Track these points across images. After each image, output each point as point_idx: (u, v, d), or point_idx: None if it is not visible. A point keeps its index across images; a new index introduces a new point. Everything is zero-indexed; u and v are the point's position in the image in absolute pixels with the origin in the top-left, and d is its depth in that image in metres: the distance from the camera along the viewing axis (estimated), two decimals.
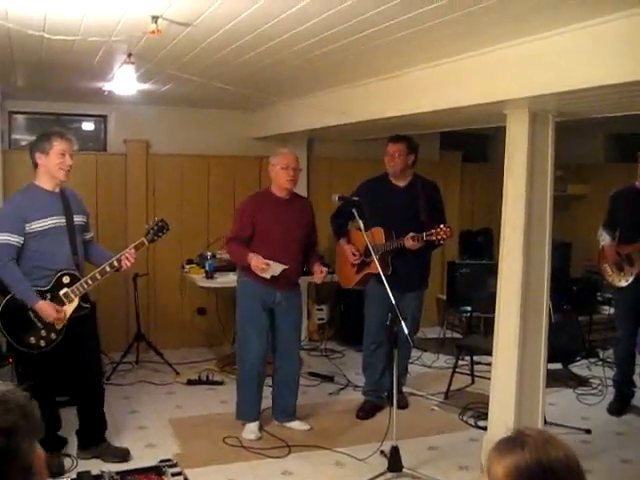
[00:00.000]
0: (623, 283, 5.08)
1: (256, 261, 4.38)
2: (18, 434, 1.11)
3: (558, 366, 5.83)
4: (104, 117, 6.68)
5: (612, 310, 6.53)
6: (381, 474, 3.95)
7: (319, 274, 4.63)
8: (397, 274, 4.68)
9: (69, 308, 3.91)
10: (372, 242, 4.49)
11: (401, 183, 4.97)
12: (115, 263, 3.98)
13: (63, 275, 3.90)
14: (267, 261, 4.39)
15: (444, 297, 7.51)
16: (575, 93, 3.15)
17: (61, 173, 3.90)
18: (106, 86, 5.04)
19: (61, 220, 3.93)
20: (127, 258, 4.00)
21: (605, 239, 5.22)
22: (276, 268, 4.42)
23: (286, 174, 4.47)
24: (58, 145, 3.86)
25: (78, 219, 4.05)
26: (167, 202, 6.67)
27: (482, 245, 7.67)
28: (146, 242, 4.07)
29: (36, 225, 3.83)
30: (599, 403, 5.33)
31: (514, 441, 1.43)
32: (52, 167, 3.87)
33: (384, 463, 4.04)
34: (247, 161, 7.00)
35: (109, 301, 6.38)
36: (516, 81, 3.38)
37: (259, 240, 4.51)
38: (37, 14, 3.06)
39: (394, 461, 3.99)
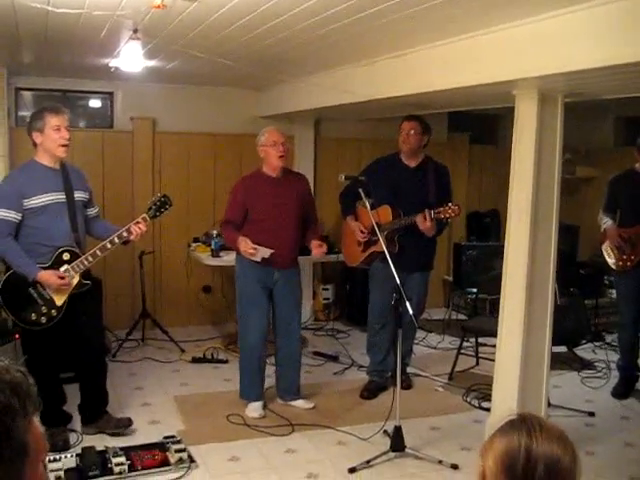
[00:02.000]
0: (626, 267, 5.04)
1: (244, 246, 4.37)
2: (9, 414, 1.10)
3: (563, 349, 5.81)
4: (111, 94, 6.65)
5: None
6: (384, 453, 3.97)
7: (317, 248, 4.60)
8: (403, 254, 4.66)
9: (71, 282, 3.91)
10: (378, 221, 4.47)
11: (412, 163, 4.94)
12: (124, 234, 3.96)
13: (63, 252, 3.89)
14: (254, 245, 4.37)
15: (450, 278, 7.50)
16: (584, 73, 3.10)
17: (60, 150, 3.88)
18: (113, 62, 5.00)
19: (60, 196, 3.92)
20: (138, 226, 3.96)
21: (607, 222, 5.19)
22: (262, 252, 4.40)
23: (276, 150, 4.46)
24: (52, 120, 3.83)
25: (79, 195, 4.03)
26: (173, 180, 6.66)
27: (489, 227, 7.65)
28: (148, 218, 4.05)
29: (35, 201, 3.82)
30: (603, 386, 5.33)
31: (510, 427, 1.43)
32: (50, 144, 3.85)
33: (387, 443, 4.05)
34: (253, 139, 6.88)
35: (115, 279, 6.41)
36: (525, 61, 3.33)
37: (253, 221, 4.52)
38: None
39: (397, 441, 4.01)
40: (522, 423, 1.43)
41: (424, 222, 4.56)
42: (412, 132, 4.82)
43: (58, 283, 3.82)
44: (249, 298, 4.59)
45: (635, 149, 5.01)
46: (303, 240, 4.68)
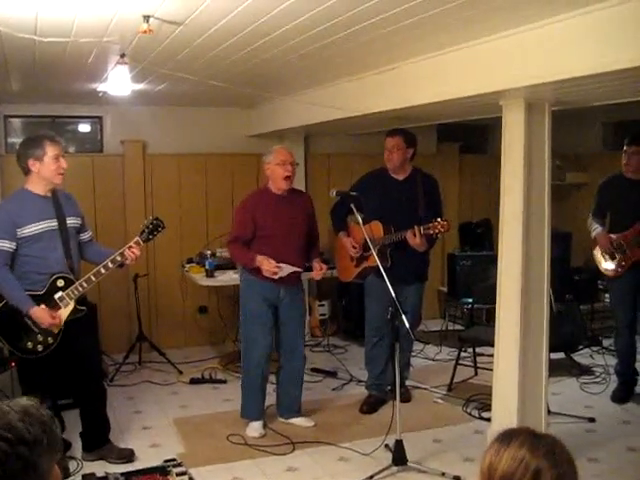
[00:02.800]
0: (618, 272, 5.06)
1: (268, 265, 4.37)
2: (40, 448, 1.11)
3: (561, 355, 5.82)
4: (100, 118, 6.66)
5: None
6: (386, 468, 3.95)
7: (318, 271, 4.65)
8: (396, 267, 4.67)
9: (64, 312, 3.90)
10: (371, 236, 4.48)
11: (400, 176, 4.96)
12: (118, 258, 3.95)
13: (57, 279, 3.88)
14: (279, 265, 4.38)
15: (445, 289, 7.51)
16: (570, 81, 3.14)
17: (58, 178, 3.89)
18: (101, 87, 5.02)
19: (53, 224, 3.91)
20: (132, 250, 3.95)
21: (597, 228, 5.21)
22: (286, 270, 4.41)
23: (284, 170, 4.45)
24: (52, 150, 3.83)
25: (71, 221, 4.03)
26: (165, 202, 6.67)
27: (482, 236, 7.66)
28: (141, 242, 4.04)
29: (28, 230, 3.81)
30: (603, 392, 5.33)
31: (503, 439, 1.44)
32: (49, 173, 3.85)
33: (389, 457, 4.03)
34: (245, 159, 7.00)
35: (110, 303, 6.40)
36: (511, 71, 3.37)
37: (261, 239, 4.50)
38: (28, 16, 3.05)
39: (399, 455, 3.99)
40: (507, 437, 1.45)
41: (414, 238, 4.58)
42: (395, 149, 4.83)
43: (49, 322, 3.81)
44: (254, 316, 4.58)
45: (624, 155, 5.04)
46: (306, 259, 4.69)
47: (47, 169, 3.84)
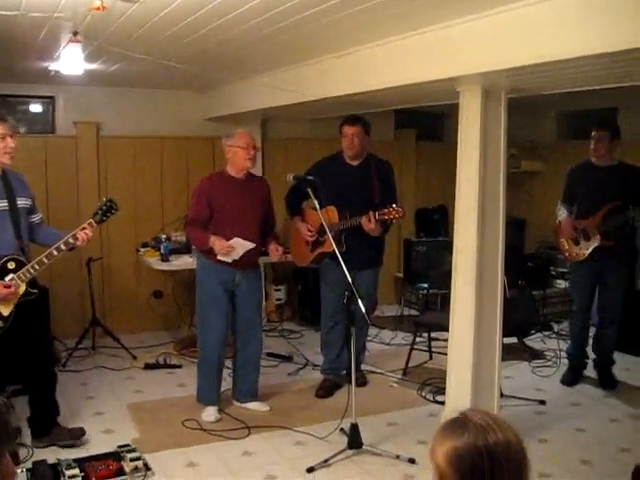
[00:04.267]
0: (580, 257, 5.16)
1: (220, 245, 4.35)
2: None
3: (514, 340, 5.93)
4: (52, 98, 6.51)
5: (566, 284, 6.69)
6: (341, 451, 3.97)
7: (275, 252, 4.64)
8: (351, 252, 4.66)
9: (18, 292, 3.80)
10: (327, 221, 4.47)
11: (355, 162, 4.96)
12: (70, 240, 3.86)
13: (8, 261, 3.78)
14: (230, 243, 4.36)
15: (401, 275, 7.57)
16: (525, 69, 3.17)
17: (5, 157, 3.79)
18: (53, 66, 4.90)
19: (3, 204, 3.81)
20: (85, 232, 3.86)
21: (563, 214, 5.29)
22: (239, 250, 4.39)
23: (246, 153, 4.43)
24: None
25: (22, 202, 3.93)
26: (120, 185, 6.56)
27: (438, 222, 7.75)
28: (94, 223, 3.95)
29: None
30: (553, 375, 5.45)
31: (456, 425, 1.47)
32: None
33: (344, 441, 4.06)
34: (200, 142, 6.92)
35: (63, 287, 6.28)
36: (467, 58, 3.39)
37: (218, 222, 4.47)
38: None
39: (354, 438, 4.02)
40: (460, 422, 1.47)
41: (368, 224, 4.59)
42: (356, 137, 4.83)
43: (3, 293, 3.72)
44: (210, 300, 4.55)
45: (591, 141, 5.09)
46: (263, 243, 4.67)
47: None
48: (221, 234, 4.41)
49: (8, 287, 3.73)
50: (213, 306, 4.54)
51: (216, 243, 4.37)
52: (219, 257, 4.40)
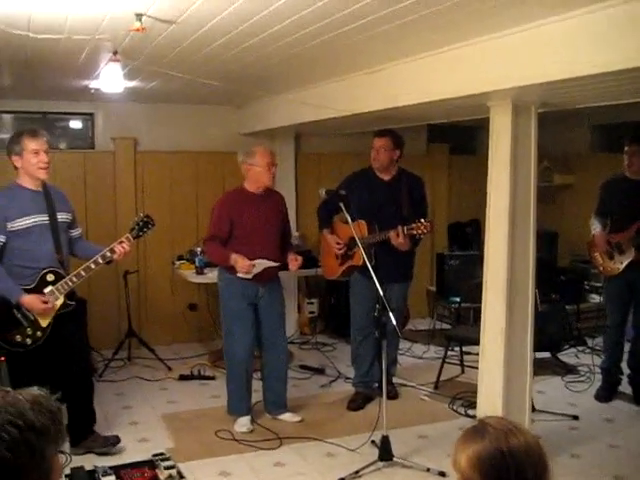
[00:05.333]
0: (614, 271, 5.13)
1: (242, 263, 4.43)
2: (47, 437, 1.15)
3: (547, 355, 5.89)
4: (91, 115, 6.68)
5: (600, 299, 6.62)
6: (372, 463, 4.00)
7: (294, 262, 4.68)
8: (380, 267, 4.71)
9: (55, 305, 3.93)
10: (358, 234, 4.53)
11: (385, 177, 5.01)
12: (108, 254, 3.98)
13: (47, 273, 3.92)
14: (253, 262, 4.43)
15: (434, 288, 7.57)
16: (556, 84, 3.20)
17: (40, 172, 3.92)
18: (93, 84, 5.05)
19: (44, 218, 3.95)
20: (122, 245, 3.98)
21: (596, 228, 5.27)
22: (259, 265, 4.47)
23: (268, 172, 4.52)
24: (30, 144, 3.87)
25: (62, 217, 4.07)
26: (156, 199, 6.69)
27: (470, 236, 7.73)
28: (131, 238, 4.07)
29: (18, 224, 3.85)
30: (587, 390, 5.40)
31: (476, 431, 1.51)
32: (30, 167, 3.90)
33: (375, 453, 4.09)
34: (235, 157, 6.99)
35: (100, 299, 6.41)
36: (498, 73, 3.42)
37: (238, 238, 4.55)
38: (22, 13, 3.08)
39: (385, 450, 4.05)
40: (480, 428, 1.51)
41: (396, 238, 4.63)
42: (382, 150, 4.89)
43: (41, 308, 3.84)
44: (234, 314, 4.62)
45: (624, 155, 5.08)
46: (283, 256, 4.74)
47: (28, 164, 3.89)
48: (241, 250, 4.48)
49: (45, 302, 3.85)
50: (237, 320, 4.61)
51: (238, 261, 4.44)
52: (239, 274, 4.47)
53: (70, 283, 3.94)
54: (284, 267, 4.81)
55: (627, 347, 5.37)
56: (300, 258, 4.73)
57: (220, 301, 4.77)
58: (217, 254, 4.66)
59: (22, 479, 1.11)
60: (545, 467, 1.48)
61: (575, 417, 4.81)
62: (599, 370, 5.45)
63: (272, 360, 4.76)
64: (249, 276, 4.47)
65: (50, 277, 3.93)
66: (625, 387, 5.32)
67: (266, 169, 4.51)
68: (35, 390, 1.23)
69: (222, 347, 6.29)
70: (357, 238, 4.35)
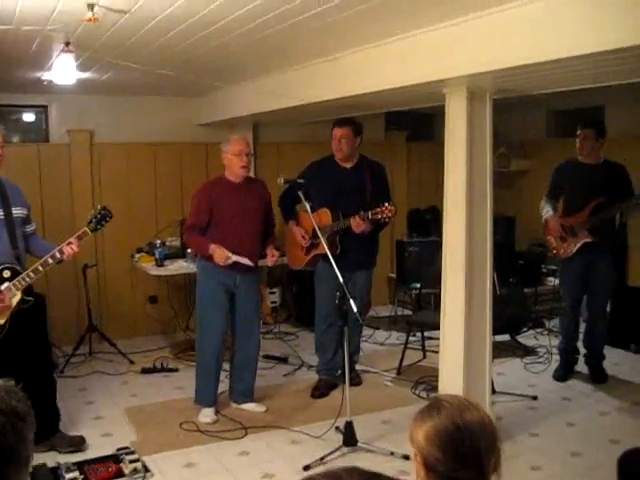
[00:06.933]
0: (567, 254, 5.24)
1: (220, 254, 4.43)
2: (29, 422, 1.15)
3: (506, 337, 6.00)
4: (45, 107, 6.56)
5: (557, 281, 6.76)
6: (337, 449, 4.04)
7: (271, 258, 4.72)
8: (345, 253, 4.77)
9: (11, 302, 3.86)
10: (319, 223, 4.55)
11: (347, 165, 5.04)
12: (57, 254, 3.92)
13: (3, 269, 3.84)
14: (230, 255, 4.44)
15: (394, 275, 7.63)
16: (508, 71, 3.24)
17: None
18: (45, 76, 4.96)
19: None
20: (70, 246, 3.93)
21: (548, 211, 5.36)
22: (235, 259, 4.48)
23: (239, 160, 4.51)
24: None
25: (17, 211, 3.99)
26: (114, 191, 6.61)
27: (429, 223, 7.81)
28: (89, 231, 4.01)
29: None
30: (545, 370, 5.53)
31: (432, 408, 1.57)
32: None
33: (339, 439, 4.12)
34: (193, 148, 6.99)
35: (59, 294, 6.33)
36: (452, 60, 3.46)
37: (217, 227, 4.54)
38: None
39: (349, 436, 4.09)
40: (435, 405, 1.57)
41: (357, 225, 4.67)
42: (343, 139, 4.92)
43: None
44: (209, 299, 4.62)
45: (577, 140, 5.18)
46: (264, 246, 4.75)
47: None
48: (221, 238, 4.48)
49: (1, 300, 3.79)
50: (212, 306, 4.62)
51: (216, 252, 4.44)
52: (219, 263, 4.47)
53: (27, 279, 3.87)
54: (263, 256, 4.81)
55: (583, 328, 5.50)
56: (277, 254, 4.75)
57: (197, 287, 4.76)
58: (196, 243, 4.67)
59: (12, 464, 1.10)
60: (495, 440, 1.55)
61: (534, 397, 4.92)
62: (556, 351, 5.59)
63: (244, 350, 4.77)
64: (229, 262, 4.46)
65: (6, 273, 3.85)
66: (581, 367, 5.45)
67: (237, 157, 4.50)
68: (1, 380, 1.22)
69: (184, 339, 6.32)
70: (317, 228, 4.38)
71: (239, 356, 4.80)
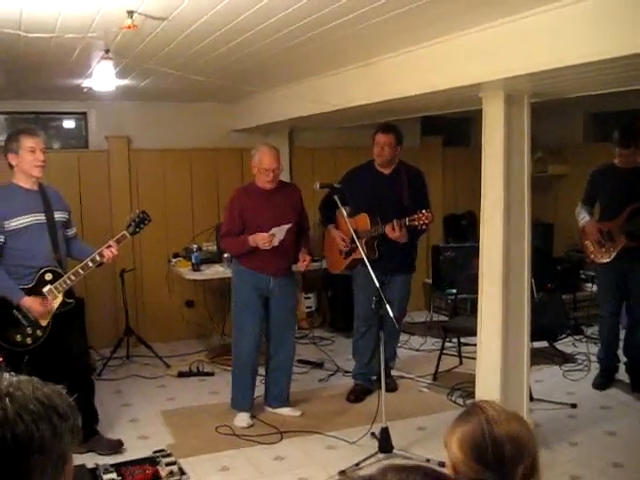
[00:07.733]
0: (605, 259, 5.15)
1: (261, 237, 4.42)
2: (67, 423, 1.17)
3: (544, 344, 5.92)
4: (84, 114, 6.68)
5: (595, 288, 6.65)
6: (372, 455, 4.02)
7: (302, 262, 4.72)
8: (384, 259, 4.76)
9: (53, 305, 3.93)
10: (356, 228, 4.55)
11: (386, 170, 5.04)
12: (97, 257, 3.99)
13: (45, 272, 3.92)
14: (270, 233, 4.43)
15: (430, 281, 7.58)
16: (544, 74, 3.20)
17: (35, 170, 3.93)
18: (85, 83, 5.04)
19: (41, 217, 3.95)
20: (110, 249, 4.00)
21: (584, 217, 5.28)
22: (279, 235, 4.46)
23: (265, 176, 4.53)
24: (26, 142, 3.88)
25: (59, 215, 4.07)
26: (151, 197, 6.69)
27: (466, 228, 7.76)
28: (128, 235, 4.08)
29: (15, 223, 3.85)
30: (584, 378, 5.43)
31: (467, 414, 1.55)
32: (25, 165, 3.90)
33: (375, 445, 4.10)
34: (229, 153, 7.03)
35: (97, 298, 6.42)
36: (489, 63, 3.42)
37: (250, 232, 4.55)
38: (13, 12, 3.07)
39: (384, 442, 4.07)
40: (477, 410, 1.55)
41: (392, 232, 4.66)
42: (386, 146, 4.92)
43: (40, 311, 3.85)
44: (245, 307, 4.65)
45: (612, 144, 5.10)
46: (297, 250, 4.76)
47: (24, 162, 3.89)
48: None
49: (44, 306, 3.86)
50: (247, 311, 4.64)
51: (258, 237, 4.44)
52: (262, 247, 4.44)
53: (68, 281, 3.95)
54: (295, 261, 4.82)
55: (623, 335, 5.40)
56: (309, 259, 4.75)
57: (232, 292, 4.79)
58: (235, 244, 4.67)
59: (42, 456, 1.12)
60: (525, 449, 1.51)
61: (573, 405, 4.84)
62: (596, 358, 5.49)
63: (280, 354, 4.79)
64: (269, 246, 4.43)
65: (48, 276, 3.94)
66: (622, 375, 5.34)
67: (263, 173, 4.52)
68: (54, 385, 1.25)
69: (220, 343, 6.36)
70: (353, 233, 4.37)
71: (274, 361, 4.81)
